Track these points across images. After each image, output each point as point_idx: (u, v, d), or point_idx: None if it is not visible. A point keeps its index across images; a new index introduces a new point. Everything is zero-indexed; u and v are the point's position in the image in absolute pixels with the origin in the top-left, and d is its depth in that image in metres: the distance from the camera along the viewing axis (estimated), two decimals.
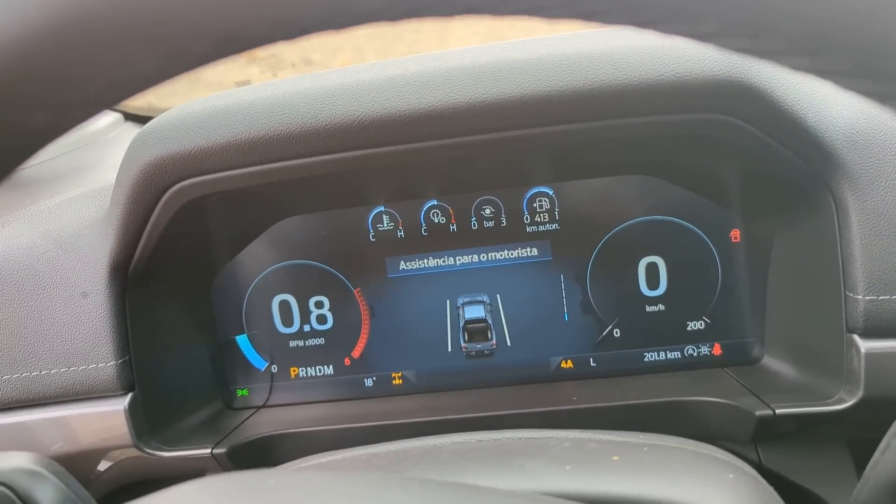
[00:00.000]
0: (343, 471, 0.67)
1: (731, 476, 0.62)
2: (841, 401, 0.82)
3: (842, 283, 0.81)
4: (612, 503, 0.55)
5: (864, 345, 0.79)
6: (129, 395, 0.91)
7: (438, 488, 0.47)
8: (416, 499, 0.44)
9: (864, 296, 0.79)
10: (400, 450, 0.69)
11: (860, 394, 0.80)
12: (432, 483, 0.48)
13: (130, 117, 1.51)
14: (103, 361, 0.90)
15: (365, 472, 0.65)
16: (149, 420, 0.93)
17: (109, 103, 0.39)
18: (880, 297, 0.78)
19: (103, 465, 0.94)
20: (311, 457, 0.73)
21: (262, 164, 0.82)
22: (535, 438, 0.68)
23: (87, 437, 0.92)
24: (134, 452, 0.92)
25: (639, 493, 0.56)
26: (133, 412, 0.91)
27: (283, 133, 0.80)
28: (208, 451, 0.92)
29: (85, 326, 0.90)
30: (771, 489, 0.63)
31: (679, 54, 0.76)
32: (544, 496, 0.51)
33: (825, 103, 0.79)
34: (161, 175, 0.84)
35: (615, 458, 0.63)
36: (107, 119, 1.43)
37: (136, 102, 1.54)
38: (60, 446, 0.92)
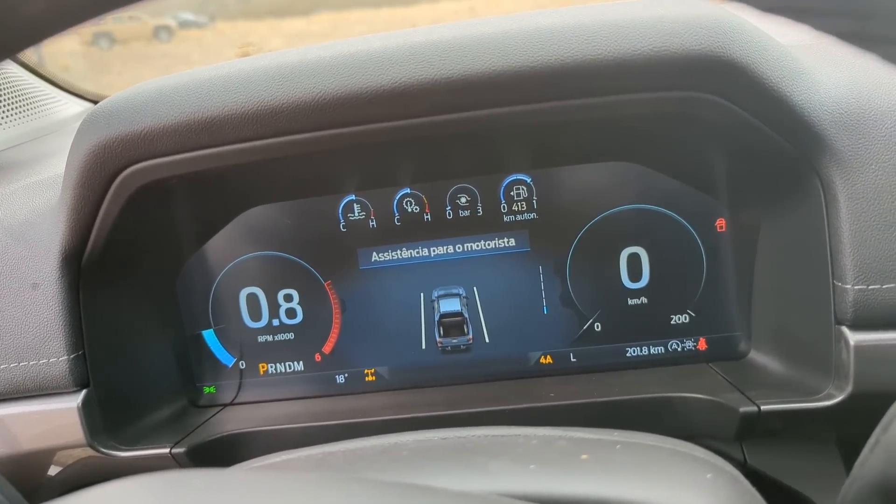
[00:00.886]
0: (284, 471, 0.62)
1: (708, 476, 0.57)
2: (829, 396, 0.77)
3: (830, 273, 0.77)
4: None
5: (854, 337, 0.75)
6: (83, 391, 0.87)
7: (376, 489, 0.42)
8: (348, 499, 0.40)
9: (853, 285, 0.74)
10: (357, 448, 0.65)
11: (849, 389, 0.76)
12: (371, 483, 0.44)
13: None
14: (55, 356, 0.85)
15: (311, 472, 0.61)
16: (104, 418, 0.89)
17: (50, 29, 0.35)
18: (870, 287, 0.74)
19: (57, 466, 0.90)
20: (264, 457, 0.69)
21: (216, 146, 0.78)
22: (501, 436, 0.64)
23: (38, 437, 0.87)
24: (88, 452, 0.87)
25: (606, 495, 0.52)
26: (87, 410, 0.86)
27: (236, 112, 0.76)
28: (167, 450, 0.88)
29: (35, 319, 0.86)
30: (752, 490, 0.59)
31: (656, 28, 0.72)
32: (499, 497, 0.47)
33: (812, 81, 0.75)
34: (110, 158, 0.79)
35: (584, 456, 0.58)
36: (76, 108, 1.38)
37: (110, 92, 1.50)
38: (10, 446, 0.87)
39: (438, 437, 0.65)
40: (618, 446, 0.61)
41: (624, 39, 0.72)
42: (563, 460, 0.58)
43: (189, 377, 1.04)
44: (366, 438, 0.67)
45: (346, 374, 1.03)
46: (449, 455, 0.61)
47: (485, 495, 0.47)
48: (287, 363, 1.04)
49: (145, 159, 0.79)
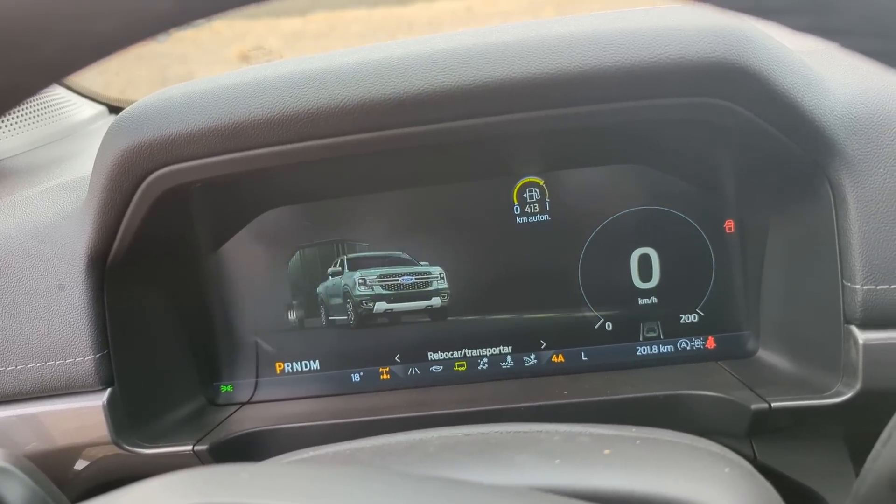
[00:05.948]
0: (324, 465, 0.64)
1: (727, 470, 0.59)
2: (838, 393, 0.80)
3: (839, 273, 0.79)
4: (604, 498, 0.52)
5: (862, 336, 0.77)
6: (108, 390, 0.89)
7: (422, 483, 0.44)
8: (405, 494, 0.42)
9: (862, 285, 0.77)
10: (385, 444, 0.67)
11: (858, 386, 0.78)
12: (418, 478, 0.46)
13: (114, 110, 1.48)
14: (81, 356, 0.87)
15: (346, 465, 0.63)
16: (128, 416, 0.90)
17: (67, 69, 0.37)
18: (879, 287, 0.76)
19: (81, 464, 0.92)
20: (292, 453, 0.71)
21: (242, 150, 0.80)
22: (523, 432, 0.66)
23: (64, 434, 0.89)
24: (113, 450, 0.89)
25: (631, 488, 0.54)
26: (112, 408, 0.88)
27: (262, 118, 0.78)
28: (189, 447, 0.90)
29: (61, 319, 0.87)
30: (767, 483, 0.61)
31: (672, 36, 0.74)
32: (534, 491, 0.49)
33: (822, 87, 0.77)
34: (138, 162, 0.81)
35: (607, 451, 0.60)
36: (89, 111, 1.40)
37: (122, 96, 1.52)
38: (36, 444, 0.89)
39: (462, 434, 0.67)
40: (637, 441, 0.64)
41: (641, 47, 0.74)
42: (587, 455, 0.60)
43: (206, 376, 1.06)
44: (391, 435, 0.69)
45: (362, 373, 1.04)
46: (475, 450, 0.63)
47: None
48: (303, 362, 1.05)
49: (172, 163, 0.81)
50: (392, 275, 1.02)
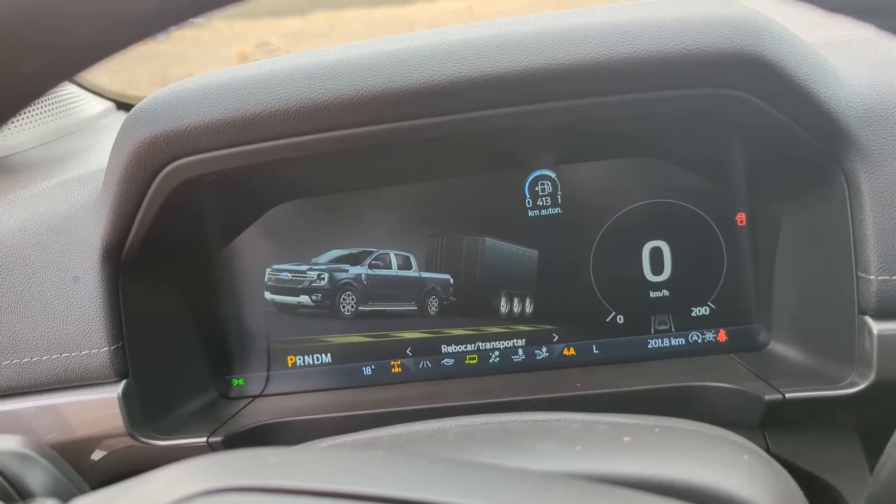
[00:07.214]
0: (349, 450, 0.64)
1: (745, 457, 0.60)
2: (852, 384, 0.80)
3: (853, 264, 0.79)
4: (626, 484, 0.53)
5: (877, 326, 0.78)
6: (123, 382, 0.89)
7: (448, 467, 0.45)
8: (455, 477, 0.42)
9: (876, 276, 0.77)
10: (403, 433, 0.67)
11: (872, 377, 0.78)
12: (445, 461, 0.46)
13: (123, 106, 1.49)
14: (96, 347, 0.87)
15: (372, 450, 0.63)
16: (143, 408, 0.91)
17: (102, 53, 0.37)
18: (893, 278, 0.77)
19: (97, 455, 0.92)
20: (310, 442, 0.71)
21: (259, 141, 0.80)
22: (542, 421, 0.66)
23: (79, 426, 0.89)
24: (128, 441, 0.89)
25: (653, 474, 0.54)
26: (127, 399, 0.89)
27: (279, 109, 0.78)
28: (204, 439, 0.90)
29: (77, 312, 0.88)
30: (785, 472, 0.61)
31: (689, 27, 0.74)
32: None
33: (838, 78, 0.78)
34: (155, 153, 0.81)
35: (627, 438, 0.60)
36: (99, 106, 1.40)
37: (131, 92, 1.52)
38: (53, 435, 0.89)
39: (480, 423, 0.67)
40: (656, 430, 0.64)
41: (657, 38, 0.74)
42: (607, 442, 0.60)
43: (218, 369, 1.06)
44: (408, 424, 0.69)
45: (373, 366, 1.05)
46: (494, 438, 0.63)
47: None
48: (315, 355, 1.06)
49: (188, 155, 0.81)
50: (280, 270, 1.05)
